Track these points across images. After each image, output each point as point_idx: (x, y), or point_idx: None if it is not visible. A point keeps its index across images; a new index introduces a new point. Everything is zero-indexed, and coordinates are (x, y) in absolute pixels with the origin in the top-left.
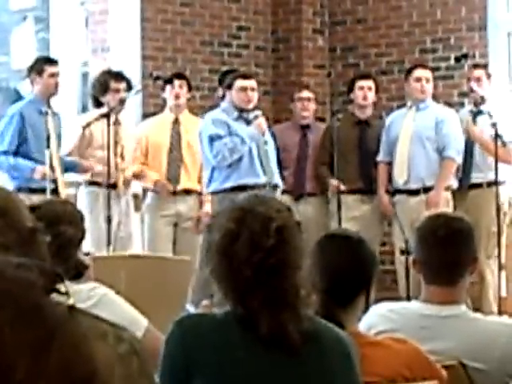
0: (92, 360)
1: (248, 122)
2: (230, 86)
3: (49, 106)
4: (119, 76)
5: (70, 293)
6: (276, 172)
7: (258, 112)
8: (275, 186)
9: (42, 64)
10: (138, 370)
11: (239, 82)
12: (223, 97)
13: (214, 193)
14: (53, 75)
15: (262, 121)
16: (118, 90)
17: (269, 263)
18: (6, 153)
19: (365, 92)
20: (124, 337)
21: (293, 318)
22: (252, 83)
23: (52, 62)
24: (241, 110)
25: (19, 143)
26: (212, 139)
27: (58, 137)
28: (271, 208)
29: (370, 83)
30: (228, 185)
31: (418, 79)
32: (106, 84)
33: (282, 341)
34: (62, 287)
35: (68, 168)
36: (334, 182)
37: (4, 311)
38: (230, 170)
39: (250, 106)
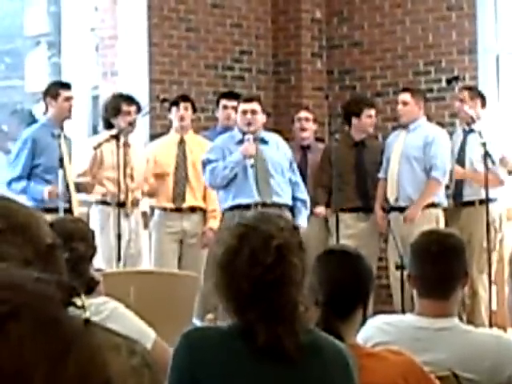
0: (106, 370)
1: None
2: (237, 110)
3: (61, 129)
4: (130, 99)
5: (86, 306)
6: (281, 190)
7: (250, 136)
8: (276, 205)
9: (57, 88)
10: (149, 383)
11: (241, 106)
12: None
13: (222, 213)
14: (67, 99)
15: (247, 145)
16: (129, 113)
17: (267, 279)
18: (19, 178)
19: (372, 120)
20: (136, 350)
21: (289, 331)
22: (252, 106)
23: (67, 86)
24: (244, 133)
25: (32, 167)
26: (204, 164)
27: (69, 159)
28: (274, 226)
29: (374, 111)
30: (227, 204)
31: (397, 102)
32: (117, 107)
33: (278, 353)
34: (78, 301)
35: (83, 189)
36: (319, 209)
37: (24, 323)
38: (227, 191)
39: (251, 129)
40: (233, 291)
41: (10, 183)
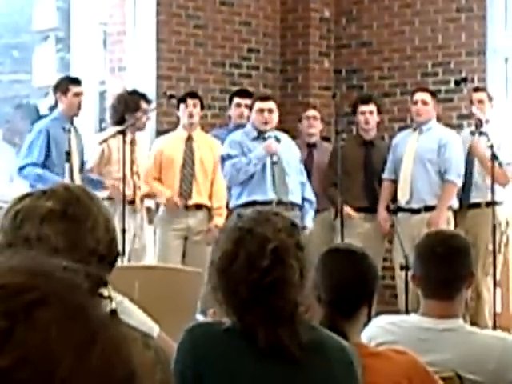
0: (131, 362)
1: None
2: (251, 108)
3: (71, 124)
4: (146, 98)
5: (112, 297)
6: (296, 189)
7: (271, 133)
8: (291, 204)
9: (68, 83)
10: (161, 379)
11: (257, 104)
12: (229, 117)
13: (232, 209)
14: (77, 95)
15: (271, 142)
16: (146, 111)
17: (265, 282)
18: (34, 164)
19: (366, 117)
20: (151, 345)
21: (289, 332)
22: (269, 105)
23: (76, 82)
24: (260, 131)
25: (45, 157)
26: (223, 159)
27: (81, 153)
28: (271, 228)
29: (371, 107)
30: (241, 201)
31: (415, 102)
32: (137, 103)
33: (280, 352)
34: (105, 291)
35: (92, 184)
36: (347, 209)
37: (51, 311)
38: (242, 187)
39: (268, 127)
40: (231, 296)
41: (22, 168)
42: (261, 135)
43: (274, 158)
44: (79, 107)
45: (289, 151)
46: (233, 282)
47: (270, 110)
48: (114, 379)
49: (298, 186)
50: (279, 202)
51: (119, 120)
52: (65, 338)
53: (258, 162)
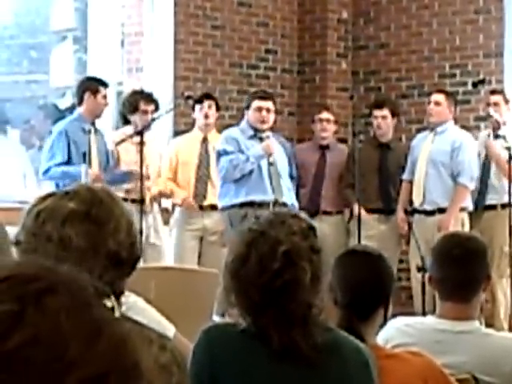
0: (136, 354)
1: (262, 141)
2: (248, 106)
3: (92, 124)
4: (149, 97)
5: (115, 308)
6: (287, 191)
7: (269, 133)
8: (284, 205)
9: (98, 85)
10: (177, 379)
11: (256, 103)
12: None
13: (223, 208)
14: (105, 97)
15: (269, 142)
16: (146, 112)
17: (275, 285)
18: (59, 164)
19: (378, 122)
20: (167, 346)
21: (303, 334)
22: (268, 104)
23: (105, 84)
24: (256, 130)
25: (67, 158)
26: (219, 154)
27: (103, 153)
28: (285, 230)
29: (384, 112)
30: (237, 200)
31: (429, 103)
32: (135, 104)
33: (295, 354)
34: (108, 303)
35: (121, 179)
36: (361, 211)
37: (59, 298)
38: (239, 186)
39: (265, 127)
40: (243, 298)
41: (47, 170)
42: (257, 134)
43: (271, 159)
44: (103, 110)
45: (282, 154)
46: (244, 284)
47: (268, 110)
48: (121, 367)
49: (287, 189)
50: (275, 203)
51: (124, 121)
52: (74, 325)
53: (255, 160)
